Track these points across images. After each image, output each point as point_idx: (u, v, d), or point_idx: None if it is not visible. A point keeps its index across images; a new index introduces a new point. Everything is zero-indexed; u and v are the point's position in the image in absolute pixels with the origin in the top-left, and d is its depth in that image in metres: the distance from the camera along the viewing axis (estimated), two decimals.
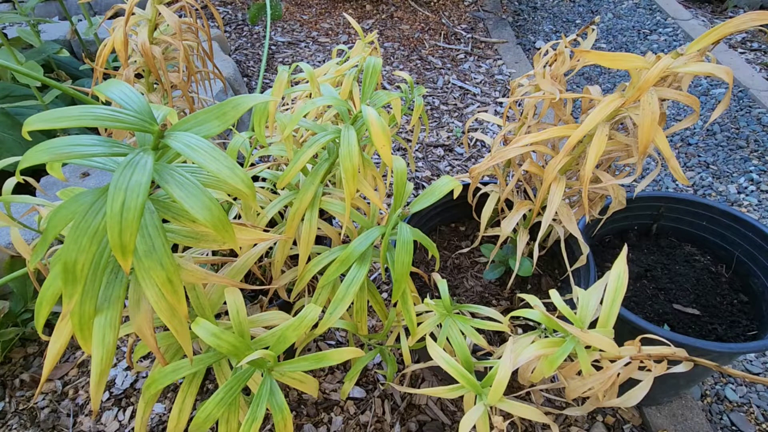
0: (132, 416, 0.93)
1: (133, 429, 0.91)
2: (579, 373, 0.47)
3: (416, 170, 1.52)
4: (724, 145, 1.65)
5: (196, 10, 0.78)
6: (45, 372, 0.37)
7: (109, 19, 0.87)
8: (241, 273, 0.53)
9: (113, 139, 0.33)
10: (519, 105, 0.81)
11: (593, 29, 0.71)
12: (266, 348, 0.45)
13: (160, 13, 0.69)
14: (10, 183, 0.61)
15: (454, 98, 1.81)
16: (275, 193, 0.69)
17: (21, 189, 1.14)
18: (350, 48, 0.74)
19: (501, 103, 1.81)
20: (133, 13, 0.69)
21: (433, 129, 1.67)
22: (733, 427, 0.96)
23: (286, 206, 0.62)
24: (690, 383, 0.92)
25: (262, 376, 0.45)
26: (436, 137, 1.64)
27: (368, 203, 0.62)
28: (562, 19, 2.49)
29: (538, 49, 2.24)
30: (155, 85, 0.82)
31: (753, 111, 1.77)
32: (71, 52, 1.64)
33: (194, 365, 0.45)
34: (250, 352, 0.43)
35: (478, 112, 1.77)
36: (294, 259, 0.67)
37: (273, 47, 2.05)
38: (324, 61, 1.99)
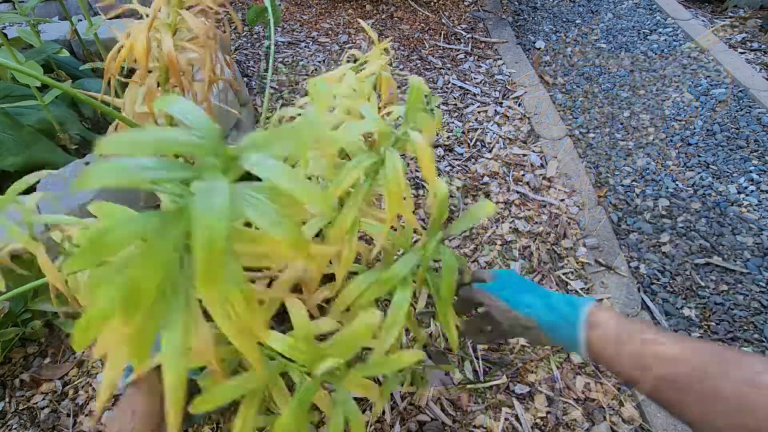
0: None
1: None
2: None
3: (416, 170, 1.52)
4: (724, 145, 1.65)
5: (216, 14, 0.75)
6: (99, 405, 0.36)
7: (111, 19, 0.86)
8: (289, 285, 0.52)
9: (175, 160, 0.31)
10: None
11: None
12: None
13: (180, 17, 0.67)
14: (32, 200, 0.58)
15: (454, 98, 1.81)
16: None
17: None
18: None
19: (501, 103, 1.81)
20: (146, 15, 0.67)
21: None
22: None
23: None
24: None
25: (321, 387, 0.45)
26: (436, 137, 1.64)
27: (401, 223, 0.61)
28: (562, 19, 2.49)
29: (539, 49, 2.24)
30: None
31: (753, 111, 1.77)
32: (71, 52, 1.64)
33: (259, 380, 0.45)
34: (323, 361, 0.43)
35: (478, 112, 1.77)
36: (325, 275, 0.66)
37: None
38: (324, 61, 1.99)
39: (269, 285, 0.54)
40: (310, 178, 0.65)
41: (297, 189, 0.29)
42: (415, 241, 0.59)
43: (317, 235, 0.70)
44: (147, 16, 0.68)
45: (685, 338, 0.41)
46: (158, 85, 0.72)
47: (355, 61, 0.73)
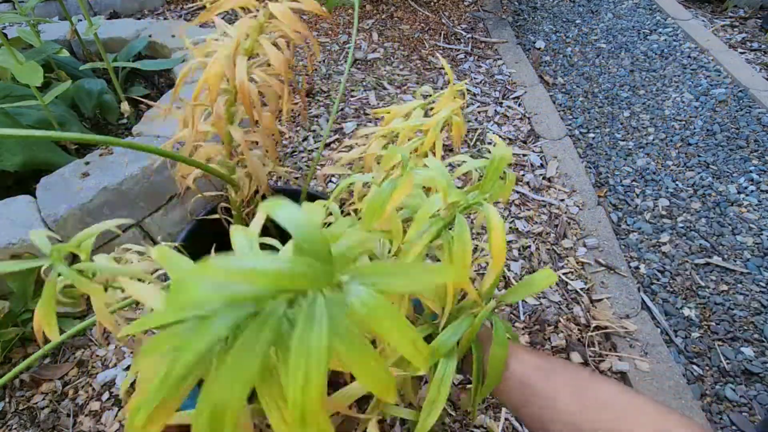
0: None
1: None
2: None
3: None
4: (724, 145, 1.65)
5: (288, 42, 0.69)
6: None
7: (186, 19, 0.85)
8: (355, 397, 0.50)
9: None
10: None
11: None
12: None
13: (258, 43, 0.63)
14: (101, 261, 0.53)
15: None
16: None
17: (20, 189, 1.14)
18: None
19: (501, 103, 1.81)
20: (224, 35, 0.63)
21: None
22: (733, 427, 0.96)
23: None
24: None
25: None
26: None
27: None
28: (562, 19, 2.49)
29: (539, 49, 2.24)
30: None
31: (753, 111, 1.77)
32: (71, 52, 1.64)
33: None
34: None
35: (478, 112, 1.77)
36: None
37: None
38: (324, 61, 1.99)
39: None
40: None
41: (398, 338, 0.26)
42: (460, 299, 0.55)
43: None
44: (225, 34, 0.64)
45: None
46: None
47: (425, 98, 0.68)
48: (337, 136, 1.61)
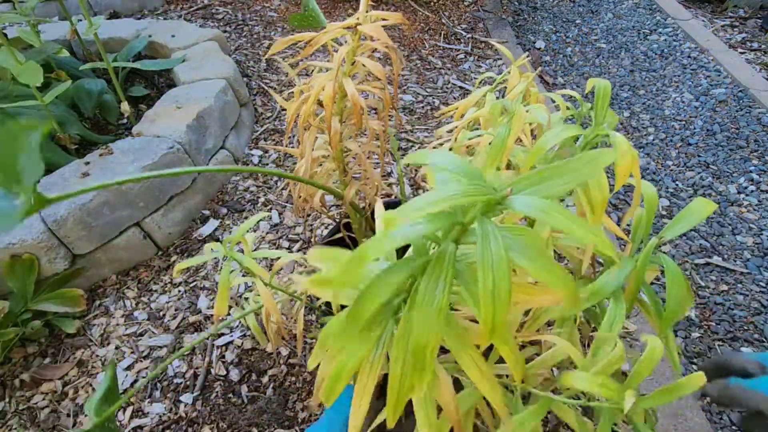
0: (132, 416, 0.93)
1: (133, 429, 0.91)
2: None
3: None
4: (724, 145, 1.65)
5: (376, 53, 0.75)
6: None
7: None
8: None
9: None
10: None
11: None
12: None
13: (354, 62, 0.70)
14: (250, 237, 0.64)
15: (454, 98, 1.81)
16: None
17: None
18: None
19: None
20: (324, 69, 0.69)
21: (432, 129, 1.67)
22: (733, 427, 0.96)
23: None
24: None
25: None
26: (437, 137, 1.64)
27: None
28: (562, 19, 2.49)
29: (539, 49, 2.24)
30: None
31: (753, 111, 1.77)
32: (71, 52, 1.64)
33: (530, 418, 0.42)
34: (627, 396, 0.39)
35: None
36: None
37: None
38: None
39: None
40: None
41: (583, 234, 0.26)
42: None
43: None
44: (323, 69, 0.72)
45: None
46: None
47: (490, 83, 0.72)
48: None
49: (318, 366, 0.40)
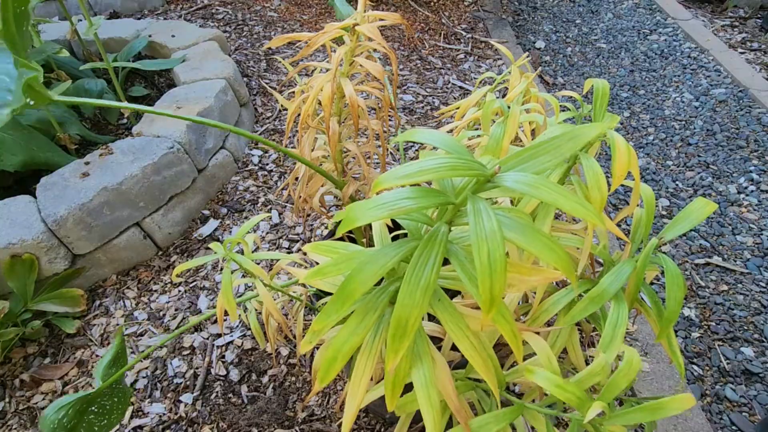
0: (131, 416, 0.93)
1: (133, 429, 0.91)
2: None
3: None
4: (724, 145, 1.65)
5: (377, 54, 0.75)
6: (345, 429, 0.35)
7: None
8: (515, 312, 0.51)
9: (428, 187, 0.31)
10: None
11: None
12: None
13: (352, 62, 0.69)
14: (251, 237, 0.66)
15: (454, 98, 1.81)
16: None
17: (20, 189, 1.14)
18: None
19: None
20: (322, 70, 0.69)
21: (432, 129, 1.67)
22: (733, 427, 0.96)
23: None
24: None
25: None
26: None
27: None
28: (562, 19, 2.49)
29: (539, 49, 2.24)
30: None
31: (753, 111, 1.77)
32: (71, 52, 1.64)
33: (502, 418, 0.41)
34: (590, 403, 0.38)
35: None
36: None
37: (272, 47, 2.05)
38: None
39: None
40: None
41: (564, 202, 0.27)
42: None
43: None
44: (322, 70, 0.71)
45: None
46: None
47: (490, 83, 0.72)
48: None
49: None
